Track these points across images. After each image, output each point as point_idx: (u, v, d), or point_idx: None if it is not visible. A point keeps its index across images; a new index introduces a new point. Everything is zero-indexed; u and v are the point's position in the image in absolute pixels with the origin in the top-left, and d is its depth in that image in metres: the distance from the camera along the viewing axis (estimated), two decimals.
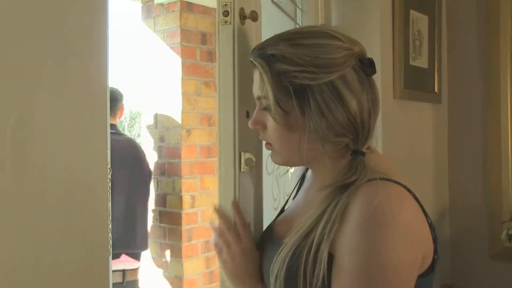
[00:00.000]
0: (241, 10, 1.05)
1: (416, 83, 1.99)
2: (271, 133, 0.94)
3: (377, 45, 1.82)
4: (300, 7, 1.83)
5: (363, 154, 0.91)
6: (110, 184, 1.25)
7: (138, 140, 3.22)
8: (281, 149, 0.95)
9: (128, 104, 4.62)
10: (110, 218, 1.20)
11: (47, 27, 1.05)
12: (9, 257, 0.98)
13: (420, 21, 2.02)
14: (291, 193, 1.13)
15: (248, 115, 1.07)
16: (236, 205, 1.05)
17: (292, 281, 0.85)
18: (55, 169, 1.05)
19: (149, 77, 3.18)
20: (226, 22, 1.05)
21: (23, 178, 1.00)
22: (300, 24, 1.82)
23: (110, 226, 1.20)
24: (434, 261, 0.90)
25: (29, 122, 1.01)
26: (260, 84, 0.93)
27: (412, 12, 1.97)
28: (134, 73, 3.55)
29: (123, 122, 5.92)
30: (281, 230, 0.99)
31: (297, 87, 0.88)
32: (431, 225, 0.93)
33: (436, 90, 2.12)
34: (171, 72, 3.05)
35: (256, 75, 0.95)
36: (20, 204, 1.00)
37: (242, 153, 1.07)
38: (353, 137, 0.92)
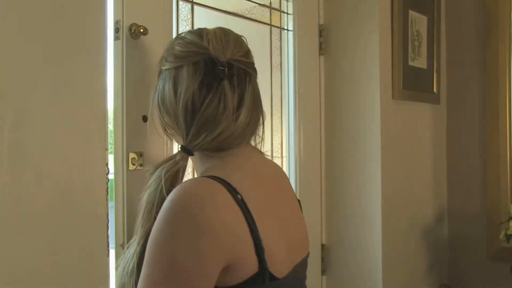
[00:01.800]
0: (132, 26, 1.22)
1: (414, 84, 1.99)
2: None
3: (376, 45, 1.82)
4: (286, 11, 1.82)
5: (189, 152, 0.93)
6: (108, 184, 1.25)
7: None
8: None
9: None
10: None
11: (44, 27, 1.04)
12: (6, 256, 0.97)
13: (419, 21, 2.02)
14: None
15: (144, 119, 1.23)
16: None
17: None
18: (53, 169, 1.05)
19: None
20: (118, 38, 1.23)
21: (20, 178, 1.00)
22: (287, 28, 1.82)
23: (108, 226, 1.20)
24: (258, 275, 0.81)
25: (26, 123, 1.01)
26: None
27: (411, 12, 1.97)
28: None
29: None
30: None
31: (158, 72, 1.01)
32: (254, 233, 0.82)
33: (435, 90, 2.12)
34: None
35: None
36: (17, 204, 0.99)
37: (129, 153, 1.23)
38: (182, 132, 0.95)
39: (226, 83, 0.91)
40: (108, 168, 1.22)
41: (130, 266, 0.91)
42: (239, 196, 0.83)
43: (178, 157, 0.93)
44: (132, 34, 1.24)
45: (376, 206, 1.81)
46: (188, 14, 1.50)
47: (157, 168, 0.94)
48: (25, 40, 1.01)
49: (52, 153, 1.05)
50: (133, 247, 0.92)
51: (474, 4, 2.11)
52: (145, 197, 0.92)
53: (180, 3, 1.47)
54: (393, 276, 1.86)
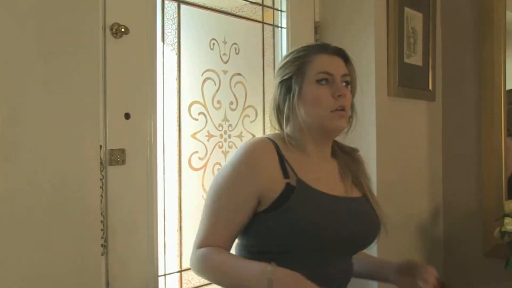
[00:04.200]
0: (113, 25, 1.27)
1: (410, 81, 2.00)
2: (348, 102, 1.21)
3: (372, 42, 1.82)
4: (280, 9, 1.82)
5: None
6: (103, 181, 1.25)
7: None
8: (347, 115, 1.22)
9: None
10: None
11: (38, 24, 1.04)
12: None
13: (414, 18, 2.02)
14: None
15: (127, 117, 1.30)
16: None
17: None
18: (46, 166, 1.05)
19: None
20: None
21: (13, 174, 1.00)
22: (280, 25, 1.82)
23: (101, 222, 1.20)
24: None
25: (19, 119, 1.01)
26: (347, 67, 1.22)
27: (406, 9, 1.97)
28: None
29: None
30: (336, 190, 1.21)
31: None
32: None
33: (430, 87, 2.12)
34: None
35: (340, 61, 1.22)
36: (10, 199, 0.99)
37: (111, 149, 1.27)
38: None
39: None
40: (102, 164, 1.22)
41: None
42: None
43: None
44: (114, 33, 1.27)
45: None
46: (175, 13, 1.50)
47: None
48: (18, 37, 1.01)
49: (45, 150, 1.05)
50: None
51: (469, 1, 2.11)
52: None
53: (166, 2, 1.47)
54: None
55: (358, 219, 1.19)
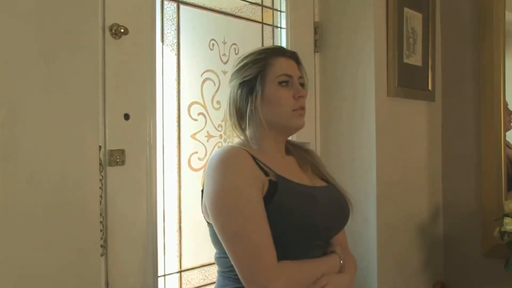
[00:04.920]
0: (113, 26, 1.27)
1: (410, 81, 2.00)
2: (304, 101, 1.27)
3: (371, 42, 1.83)
4: (279, 9, 1.83)
5: None
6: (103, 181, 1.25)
7: None
8: (305, 113, 1.28)
9: None
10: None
11: (37, 24, 1.04)
12: None
13: (414, 19, 2.02)
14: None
15: (126, 117, 1.30)
16: None
17: None
18: (46, 166, 1.05)
19: None
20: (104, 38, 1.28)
21: (13, 174, 1.00)
22: (280, 26, 1.82)
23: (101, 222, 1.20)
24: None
25: (18, 119, 1.01)
26: (299, 69, 1.29)
27: (406, 10, 1.97)
28: None
29: None
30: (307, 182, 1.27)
31: None
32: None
33: (430, 88, 2.12)
34: None
35: (295, 64, 1.29)
36: (9, 200, 0.99)
37: (110, 150, 1.27)
38: None
39: None
40: (101, 165, 1.22)
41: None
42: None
43: None
44: (113, 34, 1.27)
45: (371, 203, 1.81)
46: (174, 14, 1.50)
47: None
48: (18, 37, 1.01)
49: (44, 151, 1.05)
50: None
51: (469, 2, 2.11)
52: None
53: (165, 2, 1.47)
54: (388, 273, 1.87)
55: (334, 205, 1.26)
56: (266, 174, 1.17)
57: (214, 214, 1.13)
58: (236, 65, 1.28)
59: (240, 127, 1.26)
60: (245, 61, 1.26)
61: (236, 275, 1.12)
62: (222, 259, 1.20)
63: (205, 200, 1.17)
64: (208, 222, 1.21)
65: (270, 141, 1.26)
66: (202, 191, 1.21)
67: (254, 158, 1.18)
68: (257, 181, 1.15)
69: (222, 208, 1.13)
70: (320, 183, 1.31)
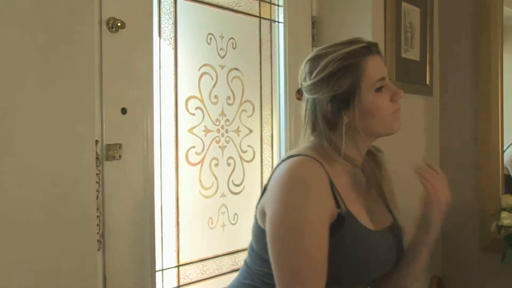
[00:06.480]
0: (109, 19, 1.26)
1: (407, 76, 1.99)
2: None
3: (369, 37, 1.81)
4: (277, 3, 1.82)
5: None
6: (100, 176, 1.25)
7: None
8: None
9: None
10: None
11: (33, 19, 1.04)
12: None
13: (412, 13, 2.02)
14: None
15: (123, 112, 1.29)
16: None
17: None
18: (42, 161, 1.04)
19: None
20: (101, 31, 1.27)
21: (8, 168, 0.99)
22: (278, 20, 1.82)
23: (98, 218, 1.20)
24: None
25: (14, 114, 1.00)
26: (385, 67, 1.15)
27: (404, 4, 1.97)
28: None
29: None
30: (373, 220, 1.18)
31: None
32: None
33: (427, 82, 2.12)
34: None
35: (379, 59, 1.14)
36: (5, 195, 0.99)
37: (107, 144, 1.27)
38: None
39: None
40: (98, 159, 1.21)
41: None
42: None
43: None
44: (110, 28, 1.27)
45: None
46: (171, 8, 1.49)
47: None
48: (13, 31, 1.01)
49: (40, 145, 1.05)
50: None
51: None
52: None
53: None
54: None
55: (390, 252, 1.19)
56: (337, 205, 1.06)
57: (273, 239, 1.04)
58: (317, 74, 1.11)
59: (326, 137, 1.13)
60: (330, 69, 1.10)
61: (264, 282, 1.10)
62: (259, 261, 1.13)
63: (268, 217, 1.05)
64: (256, 219, 1.13)
65: (354, 150, 1.15)
66: (265, 188, 1.11)
67: (331, 180, 1.07)
68: (329, 211, 1.05)
69: (285, 238, 1.03)
70: (384, 222, 1.20)
